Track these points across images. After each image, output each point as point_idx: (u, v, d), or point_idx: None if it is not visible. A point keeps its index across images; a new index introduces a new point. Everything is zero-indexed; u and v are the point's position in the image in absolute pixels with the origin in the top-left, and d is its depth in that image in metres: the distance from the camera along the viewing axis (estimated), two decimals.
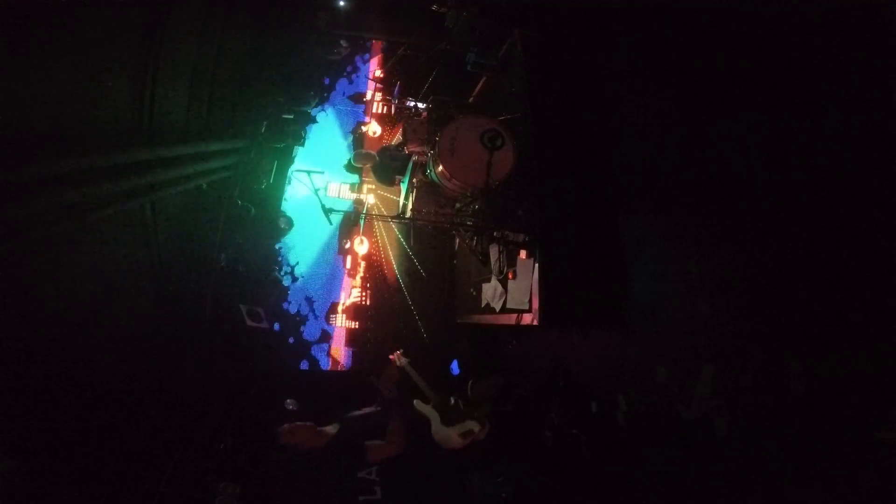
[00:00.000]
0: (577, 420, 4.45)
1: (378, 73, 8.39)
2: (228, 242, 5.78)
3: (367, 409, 3.82)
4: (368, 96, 8.45)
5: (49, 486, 2.84)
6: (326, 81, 8.14)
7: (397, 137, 5.66)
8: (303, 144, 6.81)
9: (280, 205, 6.88)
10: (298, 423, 3.38)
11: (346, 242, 7.83)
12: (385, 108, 8.09)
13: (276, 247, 7.43)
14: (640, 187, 4.46)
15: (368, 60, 8.62)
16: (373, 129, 8.20)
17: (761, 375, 3.10)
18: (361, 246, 7.61)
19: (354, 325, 7.81)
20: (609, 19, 5.03)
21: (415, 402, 3.73)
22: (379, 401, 3.80)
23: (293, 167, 6.63)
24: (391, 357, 3.91)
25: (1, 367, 2.51)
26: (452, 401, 3.78)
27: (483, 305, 5.30)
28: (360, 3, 7.31)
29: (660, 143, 4.29)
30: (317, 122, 7.66)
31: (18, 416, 2.65)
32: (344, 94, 8.41)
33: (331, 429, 3.44)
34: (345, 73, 8.39)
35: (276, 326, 7.09)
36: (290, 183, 6.81)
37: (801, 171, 3.07)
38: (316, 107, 7.56)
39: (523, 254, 4.61)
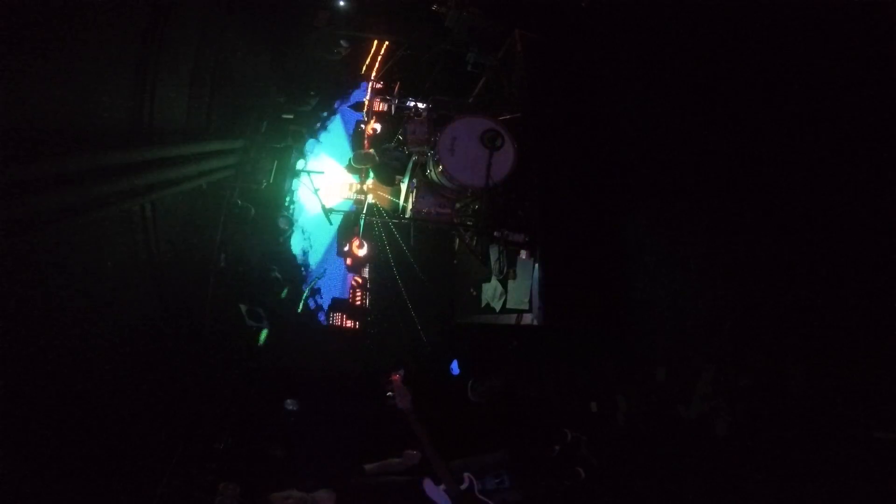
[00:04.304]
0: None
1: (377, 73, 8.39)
2: (228, 242, 5.77)
3: (375, 465, 3.22)
4: (368, 96, 8.46)
5: (49, 486, 2.84)
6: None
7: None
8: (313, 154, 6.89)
9: (281, 204, 6.90)
10: (291, 493, 2.91)
11: (345, 245, 7.85)
12: (383, 106, 8.07)
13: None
14: (639, 186, 4.46)
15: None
16: (372, 126, 8.16)
17: (761, 375, 3.10)
18: (361, 249, 7.60)
19: (354, 324, 7.83)
20: (609, 19, 5.03)
21: (425, 483, 3.02)
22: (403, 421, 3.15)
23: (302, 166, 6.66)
24: (394, 377, 3.44)
25: (0, 367, 2.52)
26: (466, 483, 3.04)
27: (483, 305, 5.31)
28: (360, 2, 7.30)
29: (659, 142, 4.29)
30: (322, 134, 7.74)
31: (18, 416, 2.65)
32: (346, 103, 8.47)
33: (326, 498, 2.96)
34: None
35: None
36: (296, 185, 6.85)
37: (801, 171, 3.07)
38: (315, 107, 7.58)
39: (523, 254, 4.61)
